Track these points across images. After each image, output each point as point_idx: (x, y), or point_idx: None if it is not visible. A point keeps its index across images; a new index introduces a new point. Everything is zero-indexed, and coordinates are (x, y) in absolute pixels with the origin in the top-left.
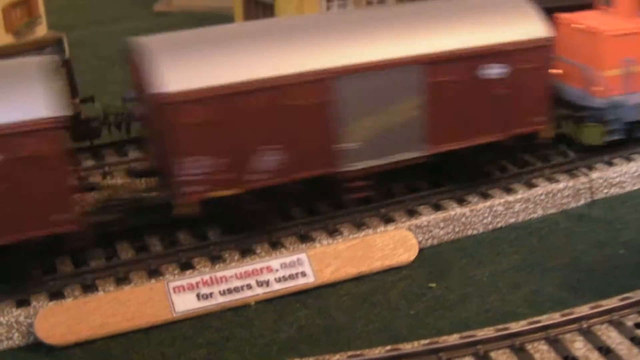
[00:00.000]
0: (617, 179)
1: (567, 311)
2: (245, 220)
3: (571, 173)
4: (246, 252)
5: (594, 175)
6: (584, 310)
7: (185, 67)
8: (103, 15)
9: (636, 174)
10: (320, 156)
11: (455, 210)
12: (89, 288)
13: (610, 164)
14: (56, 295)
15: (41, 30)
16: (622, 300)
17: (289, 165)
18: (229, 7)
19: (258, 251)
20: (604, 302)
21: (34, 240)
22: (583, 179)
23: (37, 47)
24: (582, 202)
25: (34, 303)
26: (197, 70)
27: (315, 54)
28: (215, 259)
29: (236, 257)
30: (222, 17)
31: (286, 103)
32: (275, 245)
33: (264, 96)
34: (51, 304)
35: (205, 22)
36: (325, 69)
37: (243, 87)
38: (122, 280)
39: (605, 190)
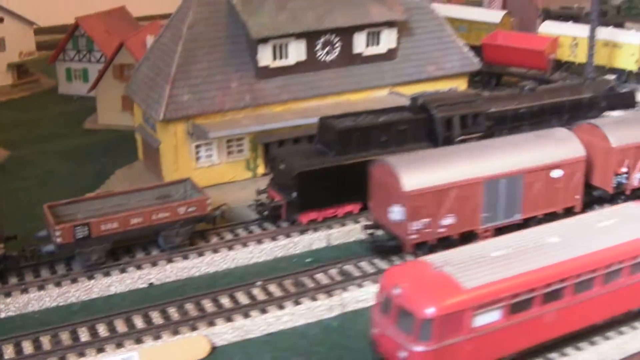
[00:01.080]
0: (364, 297)
1: None
2: None
3: (330, 293)
4: (100, 350)
5: (345, 294)
6: None
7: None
8: (43, 131)
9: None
10: (471, 219)
11: (243, 322)
12: None
13: (360, 285)
14: None
15: None
16: None
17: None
18: None
19: (108, 347)
20: None
21: None
22: (336, 298)
23: None
24: (335, 313)
25: None
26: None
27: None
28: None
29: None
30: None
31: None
32: (119, 346)
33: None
34: None
35: (125, 137)
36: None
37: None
38: None
39: (355, 305)
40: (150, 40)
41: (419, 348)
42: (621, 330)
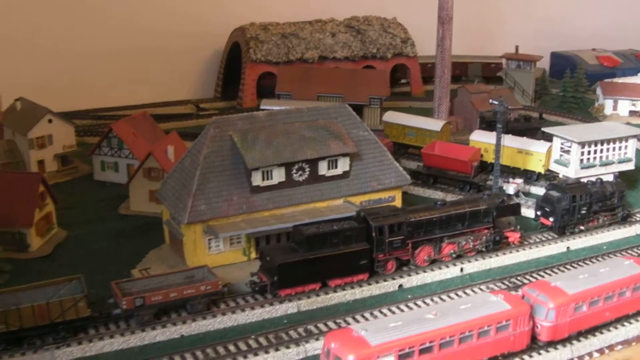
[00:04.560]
0: (319, 347)
1: None
2: None
3: (298, 343)
4: None
5: (307, 345)
6: None
7: None
8: (90, 215)
9: None
10: None
11: None
12: None
13: (317, 339)
14: None
15: (56, 233)
16: None
17: None
18: None
19: None
20: None
21: None
22: (302, 347)
23: (60, 283)
24: (301, 357)
25: None
26: None
27: None
28: None
29: None
30: (161, 222)
31: None
32: None
33: None
34: None
35: (152, 223)
36: None
37: None
38: None
39: (314, 351)
40: (170, 150)
41: None
42: None
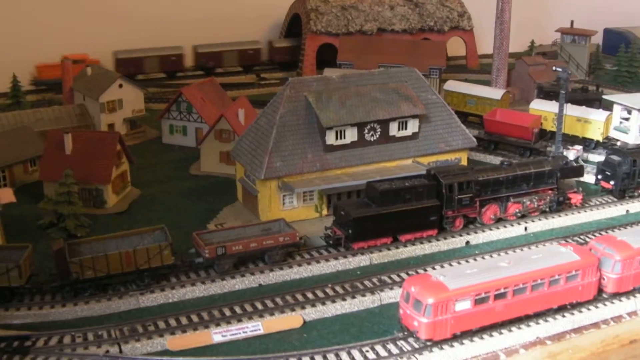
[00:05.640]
0: (393, 295)
1: None
2: None
3: (373, 292)
4: (239, 321)
5: (382, 293)
6: None
7: None
8: (160, 175)
9: None
10: None
11: (321, 307)
12: None
13: (391, 288)
14: None
15: (130, 191)
16: None
17: None
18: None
19: (243, 319)
20: None
21: None
22: (377, 295)
23: (145, 233)
24: (376, 304)
25: None
26: None
27: None
28: (228, 324)
29: (234, 322)
30: (231, 181)
31: None
32: (250, 319)
33: None
34: None
35: (223, 182)
36: None
37: None
38: None
39: (388, 300)
40: (241, 113)
41: (424, 320)
42: (546, 319)
